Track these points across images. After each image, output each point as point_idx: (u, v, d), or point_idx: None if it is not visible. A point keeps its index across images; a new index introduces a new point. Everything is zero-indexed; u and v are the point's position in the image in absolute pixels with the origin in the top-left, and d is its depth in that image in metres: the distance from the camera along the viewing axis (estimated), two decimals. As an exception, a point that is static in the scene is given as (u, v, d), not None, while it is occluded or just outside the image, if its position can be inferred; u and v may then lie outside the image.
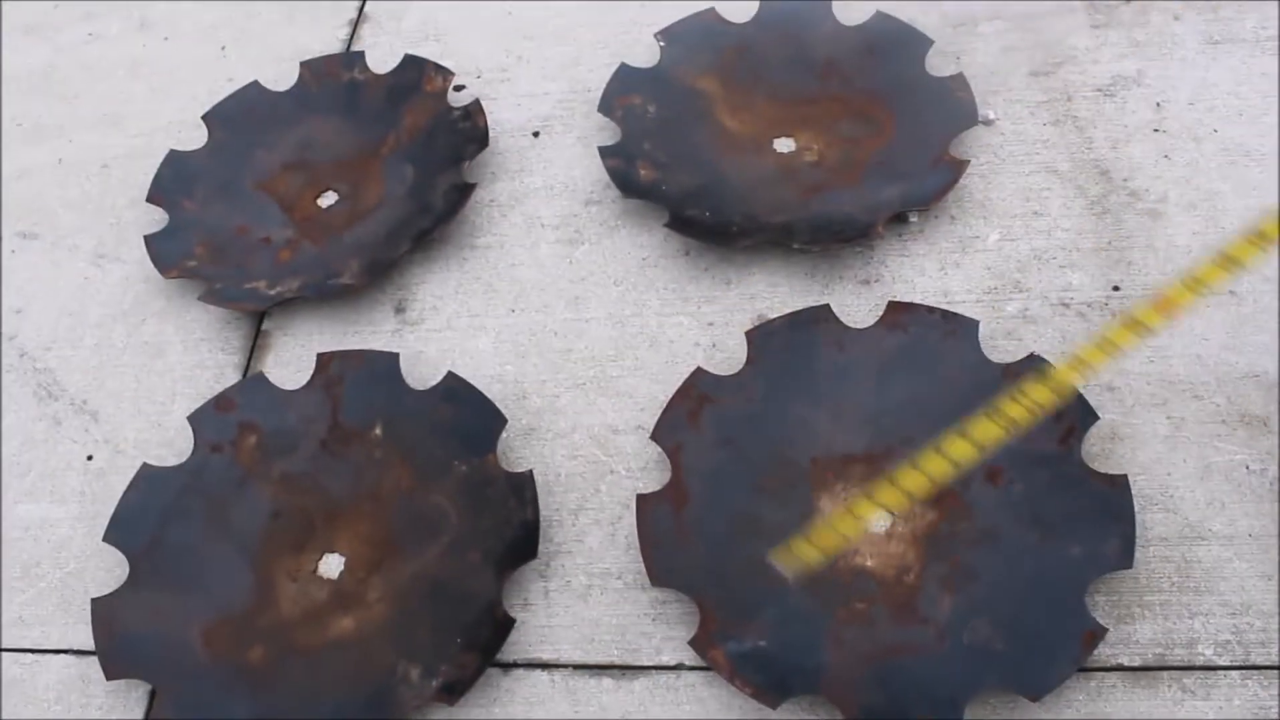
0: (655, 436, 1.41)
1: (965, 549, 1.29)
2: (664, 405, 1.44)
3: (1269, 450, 1.36)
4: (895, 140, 1.68)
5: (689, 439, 1.41)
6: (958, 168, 1.60)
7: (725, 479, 1.38)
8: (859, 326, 1.47)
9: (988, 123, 1.72)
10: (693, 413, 1.43)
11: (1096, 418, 1.33)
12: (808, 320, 1.48)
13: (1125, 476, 1.29)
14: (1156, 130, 1.67)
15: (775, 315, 1.52)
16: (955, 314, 1.45)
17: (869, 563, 1.30)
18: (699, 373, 1.45)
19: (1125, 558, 1.24)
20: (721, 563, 1.32)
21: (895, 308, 1.47)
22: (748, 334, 1.48)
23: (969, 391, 1.39)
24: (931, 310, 1.46)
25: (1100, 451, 1.38)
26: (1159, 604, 1.27)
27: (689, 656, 1.31)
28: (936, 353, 1.43)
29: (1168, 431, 1.39)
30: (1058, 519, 1.29)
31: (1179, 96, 1.71)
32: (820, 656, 1.24)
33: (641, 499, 1.36)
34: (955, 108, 1.69)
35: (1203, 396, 1.41)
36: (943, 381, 1.41)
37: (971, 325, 1.43)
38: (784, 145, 1.73)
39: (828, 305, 1.48)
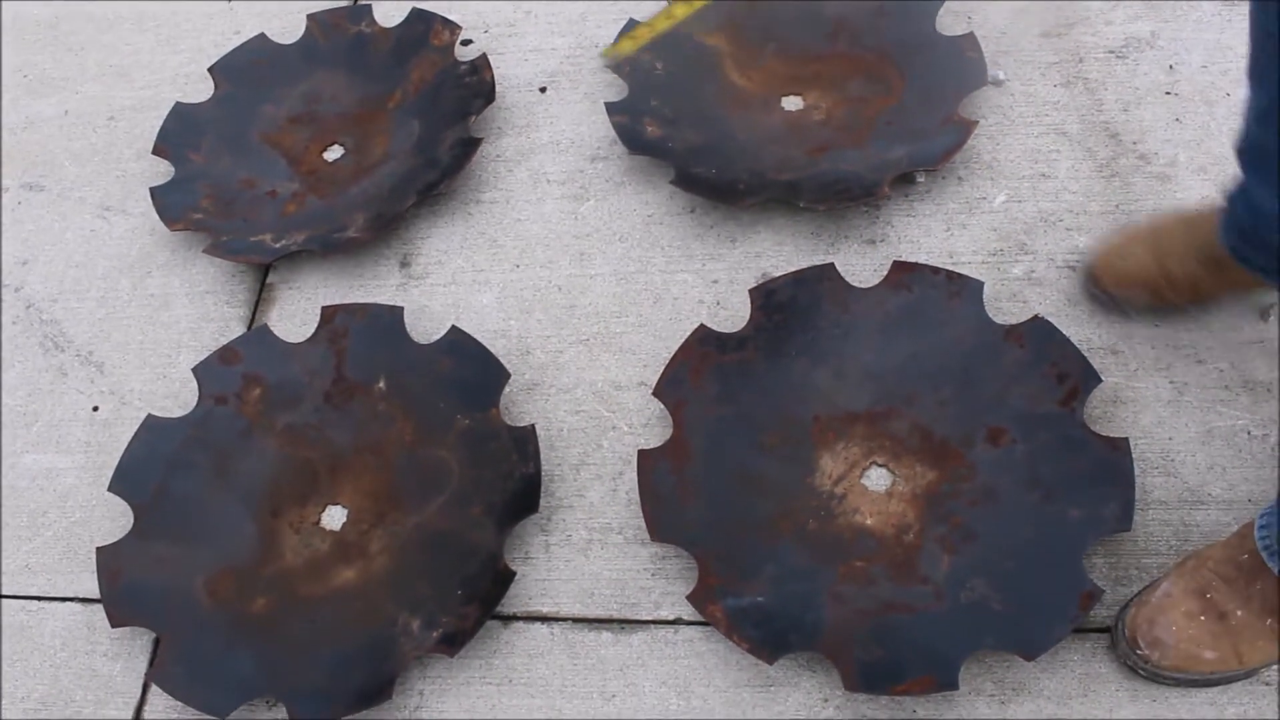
0: (657, 393, 1.42)
1: (965, 509, 1.30)
2: (667, 362, 1.44)
3: (1271, 416, 1.36)
4: (904, 100, 1.67)
5: (691, 396, 1.41)
6: (966, 128, 1.59)
7: (727, 436, 1.39)
8: (863, 286, 1.47)
9: (997, 83, 1.70)
10: (695, 370, 1.43)
11: (1099, 380, 1.33)
12: (812, 279, 1.48)
13: (1126, 440, 1.29)
14: (1168, 93, 1.65)
15: (780, 274, 1.51)
16: (960, 275, 1.44)
17: (869, 521, 1.31)
18: (702, 329, 1.45)
19: (1124, 520, 1.24)
20: (722, 519, 1.33)
21: (900, 267, 1.46)
22: (751, 292, 1.48)
23: (972, 351, 1.39)
24: (936, 271, 1.45)
25: (1102, 415, 1.38)
26: (1157, 567, 1.27)
27: (688, 612, 1.32)
28: (940, 313, 1.43)
29: (1170, 396, 1.39)
30: (1058, 481, 1.29)
31: (1192, 59, 1.69)
32: (819, 613, 1.25)
33: (643, 454, 1.37)
34: (965, 68, 1.67)
35: (1206, 361, 1.40)
36: (946, 341, 1.41)
37: (976, 286, 1.43)
38: (792, 103, 1.72)
39: (832, 264, 1.48)
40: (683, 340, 1.45)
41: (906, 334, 1.43)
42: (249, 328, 1.64)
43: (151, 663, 1.38)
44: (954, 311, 1.42)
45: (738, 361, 1.43)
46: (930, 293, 1.44)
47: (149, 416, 1.51)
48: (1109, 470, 1.27)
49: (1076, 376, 1.34)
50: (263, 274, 1.70)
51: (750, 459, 1.37)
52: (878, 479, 1.35)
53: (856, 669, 1.19)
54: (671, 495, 1.34)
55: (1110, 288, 1.43)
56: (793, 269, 1.50)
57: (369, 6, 1.94)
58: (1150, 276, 1.38)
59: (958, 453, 1.34)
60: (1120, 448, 1.28)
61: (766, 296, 1.47)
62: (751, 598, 1.26)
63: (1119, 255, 1.42)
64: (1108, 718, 1.19)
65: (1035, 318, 1.40)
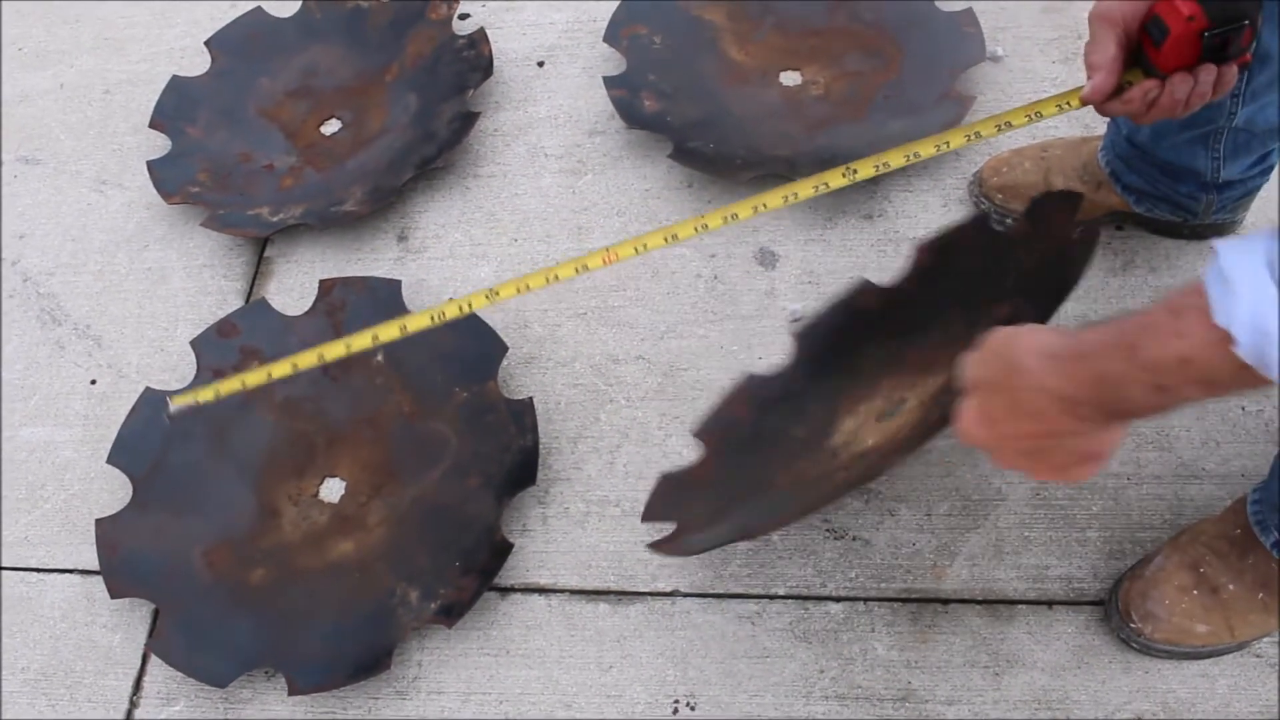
0: (699, 435, 1.35)
1: None
2: (712, 407, 1.37)
3: (1266, 392, 1.36)
4: (902, 75, 1.67)
5: (728, 431, 1.34)
6: (964, 104, 1.58)
7: (756, 455, 1.31)
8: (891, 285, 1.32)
9: (996, 59, 1.70)
10: (739, 409, 1.36)
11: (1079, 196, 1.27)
12: (846, 302, 1.32)
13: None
14: (1166, 68, 1.65)
15: (777, 248, 1.51)
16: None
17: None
18: (748, 378, 1.37)
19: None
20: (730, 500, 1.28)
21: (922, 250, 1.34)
22: (794, 335, 1.36)
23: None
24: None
25: (1098, 389, 1.38)
26: (1150, 541, 1.28)
27: (685, 583, 1.32)
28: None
29: (1166, 370, 1.39)
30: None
31: (1190, 35, 1.69)
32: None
33: (665, 479, 1.29)
34: (963, 43, 1.67)
35: (1202, 336, 1.41)
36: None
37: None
38: (790, 78, 1.71)
39: (866, 279, 1.32)
40: (687, 312, 1.41)
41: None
42: (247, 301, 1.64)
43: (151, 633, 1.38)
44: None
45: (779, 395, 1.35)
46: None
47: (147, 389, 1.51)
48: None
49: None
50: (260, 247, 1.70)
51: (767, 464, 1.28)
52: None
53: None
54: (681, 498, 1.28)
55: (994, 195, 1.51)
56: (790, 242, 1.50)
57: (366, -21, 1.93)
58: (1033, 188, 1.47)
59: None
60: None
61: (806, 332, 1.36)
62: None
63: (1007, 165, 1.51)
64: (1101, 689, 1.20)
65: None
